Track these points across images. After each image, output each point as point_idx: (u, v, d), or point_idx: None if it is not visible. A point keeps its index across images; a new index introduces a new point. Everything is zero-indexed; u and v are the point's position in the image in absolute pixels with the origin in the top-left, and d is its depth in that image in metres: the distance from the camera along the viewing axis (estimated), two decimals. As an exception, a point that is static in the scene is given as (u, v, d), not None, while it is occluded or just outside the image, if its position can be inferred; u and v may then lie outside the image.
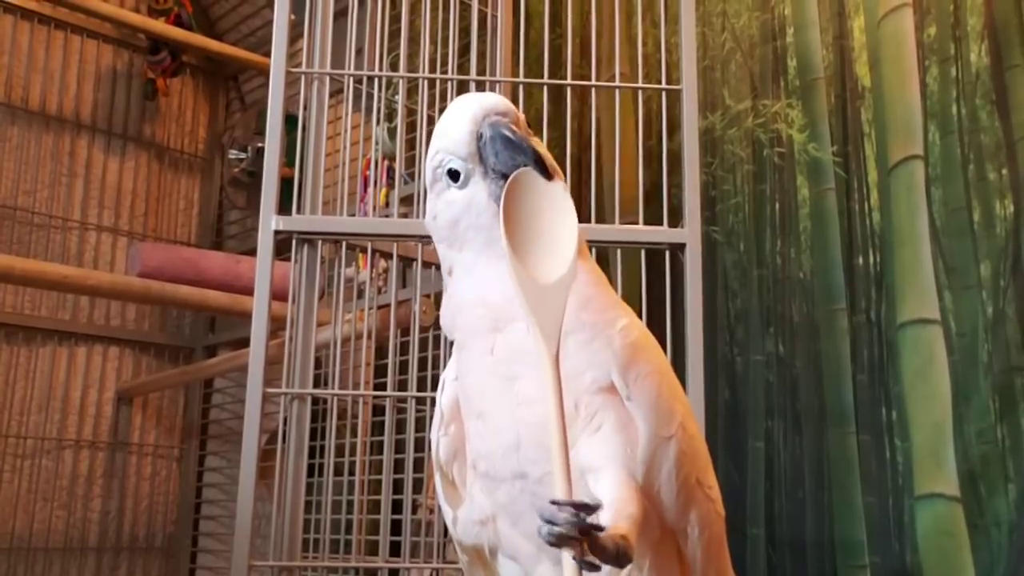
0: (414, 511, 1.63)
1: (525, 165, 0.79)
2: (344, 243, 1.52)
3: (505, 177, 0.79)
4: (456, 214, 0.85)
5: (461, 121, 0.84)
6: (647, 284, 1.49)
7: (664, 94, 1.54)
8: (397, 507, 1.61)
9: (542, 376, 0.72)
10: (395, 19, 1.71)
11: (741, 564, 1.68)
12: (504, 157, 0.82)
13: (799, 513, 1.64)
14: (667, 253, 1.49)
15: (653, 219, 1.52)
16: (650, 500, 0.79)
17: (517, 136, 0.82)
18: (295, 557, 1.45)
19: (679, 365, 1.44)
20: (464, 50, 1.74)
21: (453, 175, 0.85)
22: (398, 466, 1.64)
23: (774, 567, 1.65)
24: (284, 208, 1.46)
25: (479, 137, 0.84)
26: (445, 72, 1.62)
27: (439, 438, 0.90)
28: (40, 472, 2.64)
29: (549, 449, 0.73)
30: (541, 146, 0.84)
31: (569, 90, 1.57)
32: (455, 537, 0.91)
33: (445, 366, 0.93)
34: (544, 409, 0.74)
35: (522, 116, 0.87)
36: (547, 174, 0.79)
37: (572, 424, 0.78)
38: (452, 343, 0.90)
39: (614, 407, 0.80)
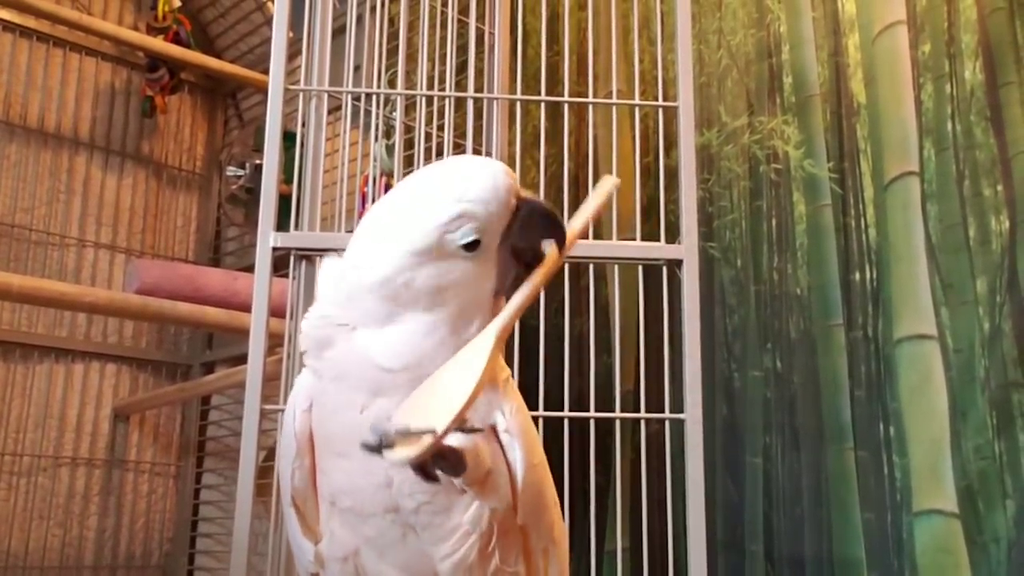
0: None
1: (552, 237, 0.81)
2: (342, 259, 1.52)
3: (524, 252, 0.81)
4: (454, 280, 0.80)
5: (500, 191, 0.79)
6: (644, 300, 1.49)
7: (661, 111, 1.54)
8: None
9: None
10: (393, 37, 1.72)
11: (740, 581, 1.68)
12: (539, 233, 0.82)
13: (797, 529, 1.64)
14: (664, 269, 1.49)
15: (650, 235, 1.53)
16: (522, 525, 0.85)
17: (551, 210, 0.83)
18: (292, 575, 1.45)
19: (677, 381, 1.44)
20: (462, 67, 1.75)
21: (472, 245, 0.79)
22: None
23: (773, 584, 1.65)
24: (282, 225, 1.47)
25: (516, 209, 0.81)
26: (443, 89, 1.63)
27: (294, 470, 0.88)
28: (36, 490, 2.62)
29: (424, 484, 0.77)
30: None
31: (566, 107, 1.58)
32: (320, 573, 0.89)
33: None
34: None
35: None
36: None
37: None
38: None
39: (490, 445, 0.84)
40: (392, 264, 0.79)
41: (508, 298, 0.81)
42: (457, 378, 0.73)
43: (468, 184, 0.79)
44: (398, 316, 0.80)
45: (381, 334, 0.80)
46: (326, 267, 0.86)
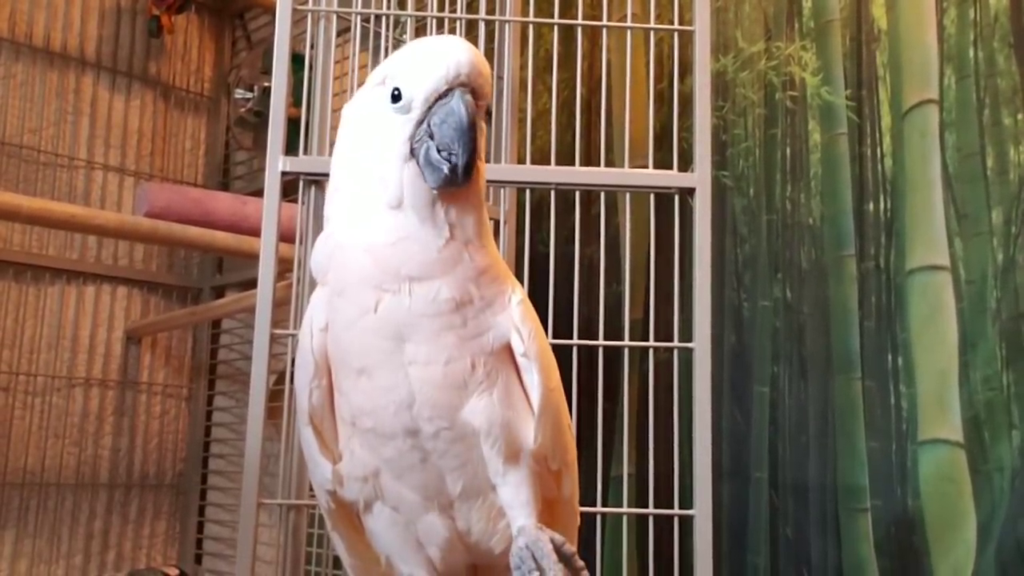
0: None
1: (454, 155, 0.81)
2: (351, 184, 1.51)
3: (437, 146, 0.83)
4: (379, 126, 0.86)
5: (439, 71, 0.83)
6: (656, 228, 1.48)
7: (676, 35, 1.51)
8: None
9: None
10: (403, -44, 1.68)
11: (744, 507, 1.70)
12: (447, 135, 0.82)
13: (802, 458, 1.66)
14: (676, 197, 1.48)
15: (663, 163, 1.51)
16: (539, 447, 0.87)
17: (473, 132, 0.82)
18: (303, 495, 1.47)
19: (686, 310, 1.44)
20: (473, -12, 1.71)
21: (395, 96, 0.85)
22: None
23: (776, 510, 1.67)
24: (291, 149, 1.46)
25: (443, 95, 0.83)
26: (454, 11, 1.60)
27: (311, 389, 0.90)
28: (51, 409, 2.66)
29: (445, 407, 0.81)
30: (481, 146, 0.85)
31: (580, 31, 1.55)
32: (337, 491, 0.91)
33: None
34: (440, 370, 0.82)
35: (490, 89, 0.87)
36: (464, 178, 0.82)
37: (468, 382, 0.84)
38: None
39: (505, 368, 0.86)
40: (355, 103, 0.91)
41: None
42: None
43: (425, 52, 0.86)
44: (342, 182, 0.89)
45: (347, 221, 0.86)
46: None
